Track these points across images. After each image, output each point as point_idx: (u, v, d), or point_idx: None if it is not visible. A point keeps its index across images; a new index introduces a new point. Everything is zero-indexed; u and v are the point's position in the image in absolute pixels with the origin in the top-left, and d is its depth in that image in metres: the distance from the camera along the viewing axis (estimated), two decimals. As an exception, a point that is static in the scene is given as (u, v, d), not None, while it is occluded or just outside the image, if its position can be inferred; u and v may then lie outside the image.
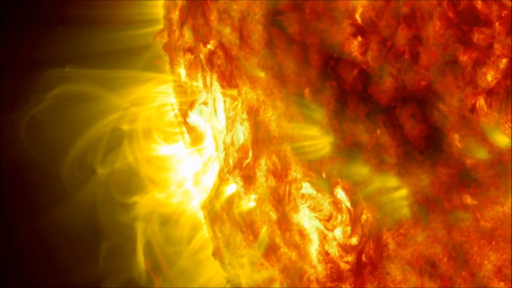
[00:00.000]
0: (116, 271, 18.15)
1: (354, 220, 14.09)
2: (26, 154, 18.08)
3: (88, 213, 18.26)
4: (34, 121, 17.97)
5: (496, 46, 11.50)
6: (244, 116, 16.13)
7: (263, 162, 15.91)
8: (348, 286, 14.55)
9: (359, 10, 13.08)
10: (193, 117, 18.39)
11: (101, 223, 18.36)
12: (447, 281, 13.04)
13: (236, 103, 16.36)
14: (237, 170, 16.92)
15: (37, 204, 18.06)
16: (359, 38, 13.18)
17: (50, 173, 18.21)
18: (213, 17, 16.44)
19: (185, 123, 18.97)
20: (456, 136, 12.32)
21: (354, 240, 14.23)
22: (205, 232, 19.10)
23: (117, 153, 18.87)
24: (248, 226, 17.03)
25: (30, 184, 18.41)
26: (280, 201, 15.69)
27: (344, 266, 14.54)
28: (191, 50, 17.83)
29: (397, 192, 13.32)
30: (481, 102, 11.87)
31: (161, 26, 19.48)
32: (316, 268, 15.20)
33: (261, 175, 16.10)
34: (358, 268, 14.23)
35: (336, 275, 14.72)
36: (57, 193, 18.20)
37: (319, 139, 14.26)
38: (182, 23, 18.11)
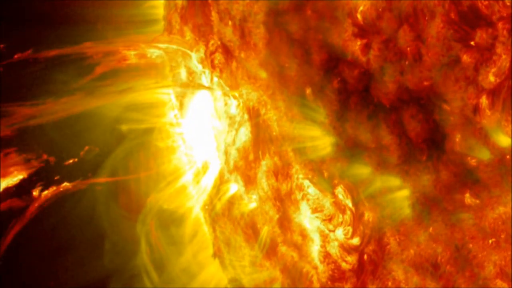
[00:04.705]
0: (117, 271, 18.14)
1: (356, 220, 14.09)
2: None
3: (91, 214, 18.26)
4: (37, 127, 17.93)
5: (498, 46, 11.50)
6: (245, 116, 16.12)
7: (264, 162, 15.91)
8: (350, 286, 14.54)
9: (361, 9, 13.07)
10: (194, 117, 18.38)
11: (103, 224, 18.35)
12: (449, 281, 13.05)
13: (237, 103, 16.35)
14: (237, 170, 16.91)
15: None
16: (361, 38, 13.18)
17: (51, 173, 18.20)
18: (214, 17, 16.43)
19: (186, 123, 18.96)
20: (458, 136, 12.32)
21: (355, 240, 14.23)
22: (205, 232, 19.09)
23: (117, 154, 18.85)
24: (249, 226, 17.03)
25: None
26: (281, 201, 15.68)
27: (345, 266, 14.53)
28: (191, 50, 17.82)
29: (399, 192, 13.32)
30: (483, 102, 11.87)
31: (161, 26, 19.47)
32: (317, 268, 15.19)
33: (262, 175, 16.10)
34: (359, 268, 14.22)
35: (337, 275, 14.72)
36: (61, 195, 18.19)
37: (320, 140, 14.26)
38: (182, 23, 18.10)
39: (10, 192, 17.54)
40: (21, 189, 17.70)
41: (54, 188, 18.04)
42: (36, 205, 17.77)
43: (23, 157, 17.80)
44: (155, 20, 19.60)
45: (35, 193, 17.81)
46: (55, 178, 18.13)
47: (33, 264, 18.00)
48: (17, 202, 17.59)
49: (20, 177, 17.69)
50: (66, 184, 18.18)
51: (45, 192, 17.91)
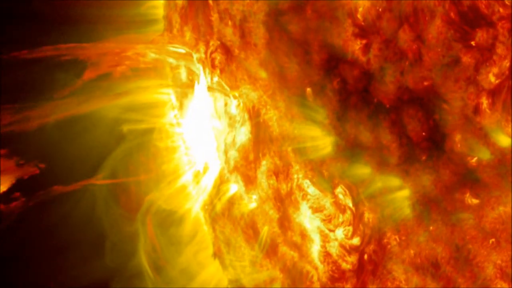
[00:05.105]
0: (117, 271, 18.14)
1: (356, 220, 14.09)
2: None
3: (91, 215, 18.27)
4: (37, 129, 17.90)
5: (498, 46, 11.51)
6: (245, 116, 16.12)
7: (264, 162, 15.90)
8: (350, 286, 14.55)
9: (361, 9, 13.08)
10: (194, 117, 18.38)
11: (102, 224, 18.35)
12: (449, 281, 13.05)
13: (237, 103, 16.35)
14: (238, 170, 16.90)
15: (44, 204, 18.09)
16: (361, 38, 13.18)
17: (53, 173, 18.20)
18: (214, 17, 16.42)
19: (186, 123, 18.95)
20: (459, 136, 12.33)
21: (356, 240, 14.23)
22: (205, 232, 19.08)
23: (117, 154, 18.85)
24: (249, 226, 17.02)
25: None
26: (282, 201, 15.68)
27: (345, 266, 14.53)
28: (191, 50, 17.81)
29: (399, 192, 13.32)
30: (483, 102, 11.88)
31: (161, 26, 19.45)
32: (318, 269, 15.19)
33: (262, 175, 16.09)
34: (360, 268, 14.23)
35: (337, 275, 14.72)
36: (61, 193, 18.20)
37: (320, 140, 14.26)
38: (182, 23, 18.09)
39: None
40: (15, 190, 17.68)
41: (52, 188, 18.04)
42: (29, 207, 17.75)
43: (15, 161, 17.78)
44: (155, 20, 19.58)
45: (30, 194, 17.79)
46: (53, 178, 18.12)
47: (33, 264, 18.00)
48: (8, 204, 17.56)
49: (13, 179, 17.66)
50: (64, 185, 18.17)
51: (41, 192, 17.90)
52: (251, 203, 16.80)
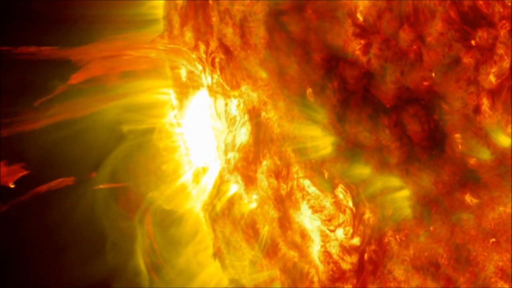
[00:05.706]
0: (117, 271, 18.13)
1: (356, 220, 14.09)
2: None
3: (91, 215, 18.26)
4: (37, 129, 17.88)
5: (498, 46, 11.51)
6: (246, 116, 16.12)
7: (264, 162, 15.90)
8: (350, 286, 14.55)
9: (361, 9, 13.08)
10: (194, 117, 18.38)
11: (102, 224, 18.34)
12: (449, 281, 13.05)
13: (237, 103, 16.35)
14: (238, 170, 16.91)
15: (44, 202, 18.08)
16: (361, 38, 13.18)
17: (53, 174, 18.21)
18: (214, 17, 16.42)
19: (186, 123, 18.96)
20: (459, 136, 12.33)
21: (356, 241, 14.23)
22: (205, 232, 19.08)
23: (117, 154, 18.84)
24: (249, 226, 17.02)
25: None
26: (282, 201, 15.68)
27: (346, 266, 14.53)
28: (191, 50, 17.81)
29: (399, 192, 13.32)
30: (484, 102, 11.88)
31: (161, 26, 19.45)
32: (318, 269, 15.19)
33: (262, 176, 16.09)
34: (360, 268, 14.22)
35: (338, 276, 14.71)
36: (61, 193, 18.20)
37: (321, 140, 14.26)
38: (182, 23, 18.09)
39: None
40: (13, 190, 17.67)
41: (51, 188, 18.03)
42: (29, 206, 17.73)
43: (14, 161, 17.76)
44: (155, 20, 19.58)
45: (29, 194, 17.78)
46: (52, 178, 18.11)
47: (33, 264, 17.99)
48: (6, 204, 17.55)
49: (11, 180, 17.65)
50: (63, 185, 18.16)
51: (40, 192, 17.90)
52: (251, 203, 16.80)
